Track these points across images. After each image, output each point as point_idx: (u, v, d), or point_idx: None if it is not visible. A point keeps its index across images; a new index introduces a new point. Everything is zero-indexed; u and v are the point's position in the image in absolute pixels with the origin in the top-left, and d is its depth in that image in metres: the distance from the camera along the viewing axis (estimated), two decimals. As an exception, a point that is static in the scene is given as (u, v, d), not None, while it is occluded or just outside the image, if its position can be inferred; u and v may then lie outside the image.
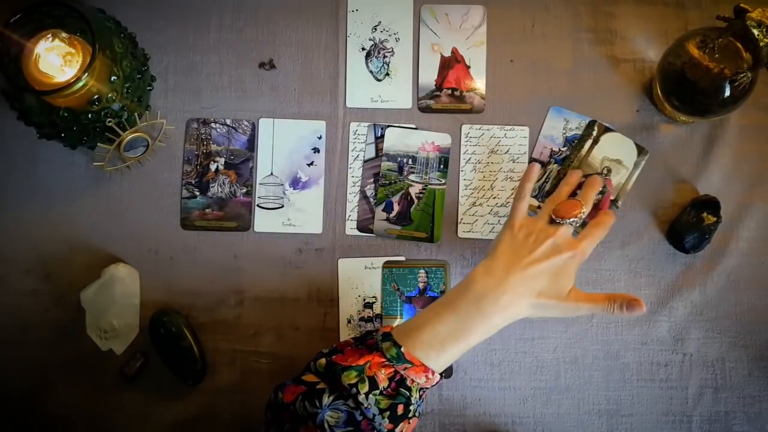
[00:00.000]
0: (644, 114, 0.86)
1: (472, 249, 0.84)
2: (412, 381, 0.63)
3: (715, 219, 0.81)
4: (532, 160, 0.85)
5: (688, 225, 0.81)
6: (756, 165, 0.85)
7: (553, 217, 0.71)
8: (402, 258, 0.84)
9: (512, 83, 0.86)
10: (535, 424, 0.82)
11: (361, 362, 0.62)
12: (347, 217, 0.85)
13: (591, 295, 0.68)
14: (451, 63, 0.87)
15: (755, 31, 0.67)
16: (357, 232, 0.85)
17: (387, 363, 0.62)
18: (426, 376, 0.63)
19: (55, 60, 0.74)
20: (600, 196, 0.78)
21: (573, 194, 0.78)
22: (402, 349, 0.62)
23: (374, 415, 0.60)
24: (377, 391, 0.61)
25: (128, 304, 0.82)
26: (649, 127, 0.85)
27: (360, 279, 0.84)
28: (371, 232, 0.85)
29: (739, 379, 0.82)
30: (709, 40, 0.72)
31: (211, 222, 0.85)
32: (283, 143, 0.86)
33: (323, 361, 0.64)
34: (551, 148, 0.85)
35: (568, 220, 0.70)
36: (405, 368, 0.63)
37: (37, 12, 0.74)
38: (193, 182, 0.85)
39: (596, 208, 0.80)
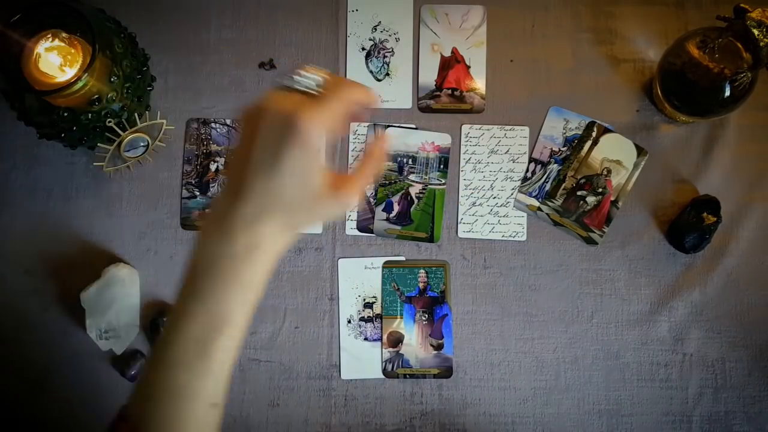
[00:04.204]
0: (644, 114, 0.86)
1: (472, 249, 0.84)
2: None
3: (715, 219, 0.81)
4: (532, 160, 0.85)
5: (688, 225, 0.81)
6: (756, 165, 0.85)
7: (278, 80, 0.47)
8: (402, 258, 0.84)
9: (512, 83, 0.86)
10: (535, 424, 0.82)
11: None
12: (347, 217, 0.85)
13: (349, 177, 0.46)
14: (451, 63, 0.87)
15: (755, 31, 0.67)
16: (357, 232, 0.85)
17: None
18: None
19: (55, 60, 0.74)
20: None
21: None
22: None
23: None
24: None
25: (128, 304, 0.82)
26: (649, 127, 0.85)
27: (360, 279, 0.84)
28: (371, 232, 0.85)
29: (739, 379, 0.82)
30: (709, 40, 0.72)
31: (211, 222, 0.85)
32: (283, 143, 0.86)
33: None
34: (551, 148, 0.85)
35: (295, 79, 0.46)
36: None
37: (37, 12, 0.74)
38: (193, 182, 0.85)
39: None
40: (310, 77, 0.46)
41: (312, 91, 0.46)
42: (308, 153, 0.43)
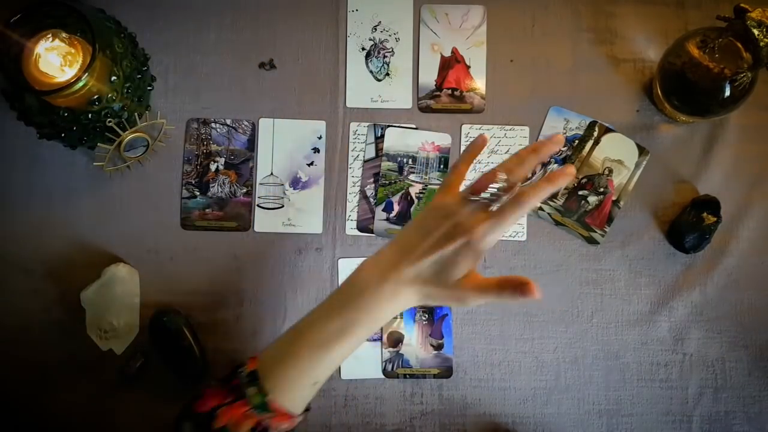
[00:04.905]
0: (644, 114, 0.86)
1: (472, 249, 0.84)
2: (275, 430, 0.59)
3: (715, 219, 0.81)
4: (532, 160, 0.85)
5: (688, 225, 0.81)
6: (756, 165, 0.85)
7: (468, 195, 0.59)
8: (402, 258, 0.84)
9: (512, 83, 0.86)
10: (535, 424, 0.82)
11: (224, 420, 0.57)
12: (347, 217, 0.85)
13: (481, 284, 0.58)
14: (451, 63, 0.87)
15: (755, 31, 0.67)
16: (357, 232, 0.85)
17: (250, 413, 0.57)
18: (290, 422, 0.59)
19: (55, 60, 0.74)
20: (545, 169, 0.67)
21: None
22: (267, 398, 0.57)
23: None
24: None
25: (128, 304, 0.82)
26: (649, 127, 0.85)
27: (360, 279, 0.84)
28: (371, 232, 0.85)
29: (739, 379, 0.82)
30: (709, 40, 0.72)
31: (211, 222, 0.85)
32: (283, 143, 0.86)
33: (188, 427, 0.60)
34: (551, 148, 0.85)
35: (481, 196, 0.58)
36: (269, 418, 0.58)
37: (37, 12, 0.74)
38: (193, 182, 0.85)
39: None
40: (492, 188, 0.58)
41: (495, 196, 0.57)
42: (466, 263, 0.58)
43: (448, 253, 0.57)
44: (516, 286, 0.56)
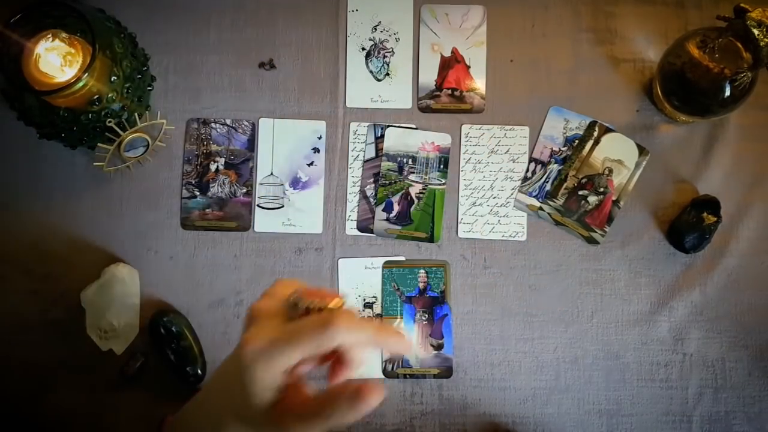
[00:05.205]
0: (644, 114, 0.86)
1: (472, 249, 0.84)
2: None
3: (715, 219, 0.81)
4: (532, 160, 0.85)
5: (688, 225, 0.81)
6: (756, 165, 0.85)
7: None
8: (402, 258, 0.84)
9: (512, 83, 0.86)
10: (535, 424, 0.82)
11: None
12: (347, 217, 0.85)
13: (303, 409, 0.43)
14: (451, 63, 0.87)
15: (755, 31, 0.67)
16: (357, 232, 0.85)
17: None
18: None
19: (55, 60, 0.74)
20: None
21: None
22: None
23: None
24: None
25: (128, 304, 0.82)
26: (649, 127, 0.85)
27: (360, 279, 0.84)
28: (371, 232, 0.85)
29: (739, 379, 0.82)
30: (709, 40, 0.72)
31: (211, 222, 0.85)
32: (283, 143, 0.86)
33: None
34: (551, 148, 0.85)
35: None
36: None
37: (37, 12, 0.74)
38: (193, 182, 0.85)
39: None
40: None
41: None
42: (257, 384, 0.42)
43: (229, 374, 0.44)
44: (350, 396, 0.42)
